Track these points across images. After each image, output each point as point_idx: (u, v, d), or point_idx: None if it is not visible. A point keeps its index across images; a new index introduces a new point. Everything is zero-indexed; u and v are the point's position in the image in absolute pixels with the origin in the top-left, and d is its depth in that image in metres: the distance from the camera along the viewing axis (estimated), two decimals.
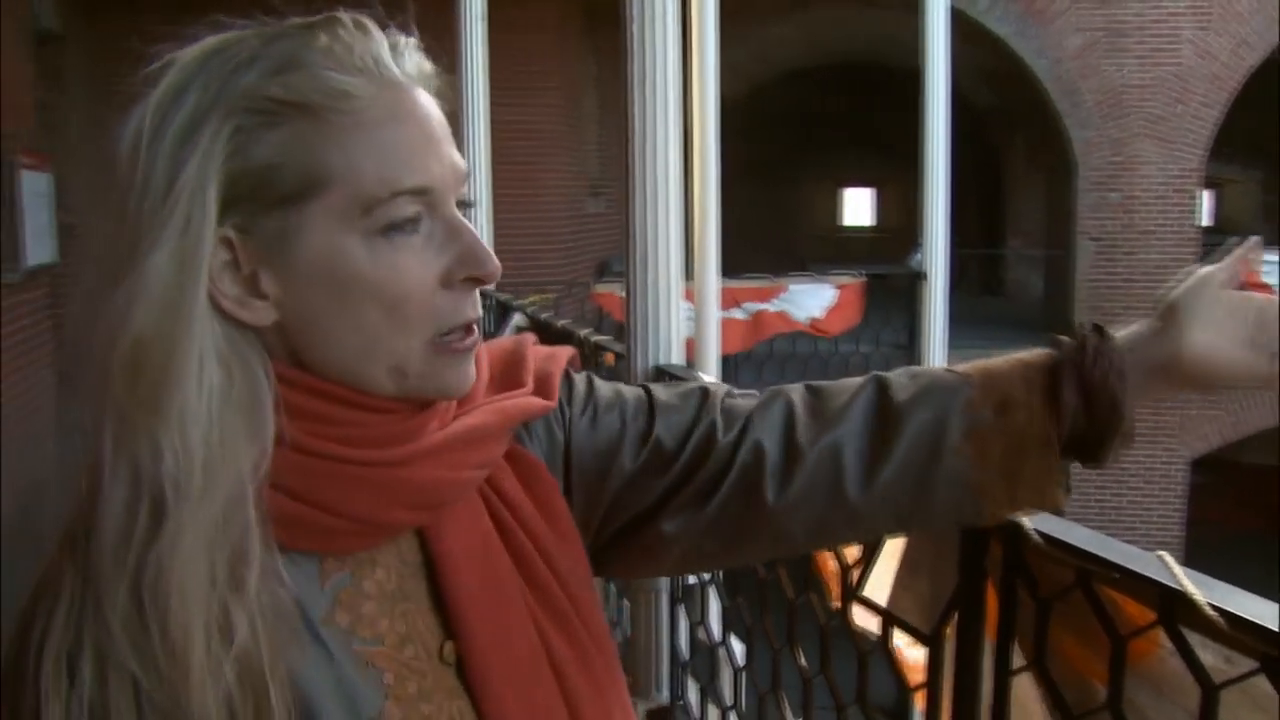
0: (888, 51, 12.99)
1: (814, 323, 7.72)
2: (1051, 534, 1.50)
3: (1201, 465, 12.70)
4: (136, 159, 0.74)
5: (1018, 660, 1.60)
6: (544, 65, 10.54)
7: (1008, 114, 16.26)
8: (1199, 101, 11.79)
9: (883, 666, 1.95)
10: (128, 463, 0.71)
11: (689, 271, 3.58)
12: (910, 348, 8.17)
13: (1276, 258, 12.36)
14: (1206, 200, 13.16)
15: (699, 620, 3.06)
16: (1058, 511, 1.10)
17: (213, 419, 0.73)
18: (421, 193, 0.78)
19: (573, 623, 0.91)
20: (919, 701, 1.85)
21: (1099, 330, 0.97)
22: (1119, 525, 12.20)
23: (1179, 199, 11.87)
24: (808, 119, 21.70)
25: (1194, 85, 11.78)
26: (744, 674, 2.77)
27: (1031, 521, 1.52)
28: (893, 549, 1.88)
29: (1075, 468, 1.08)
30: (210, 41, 0.78)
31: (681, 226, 3.16)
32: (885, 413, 0.96)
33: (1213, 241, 13.78)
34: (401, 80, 0.80)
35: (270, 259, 0.76)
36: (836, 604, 1.99)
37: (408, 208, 0.78)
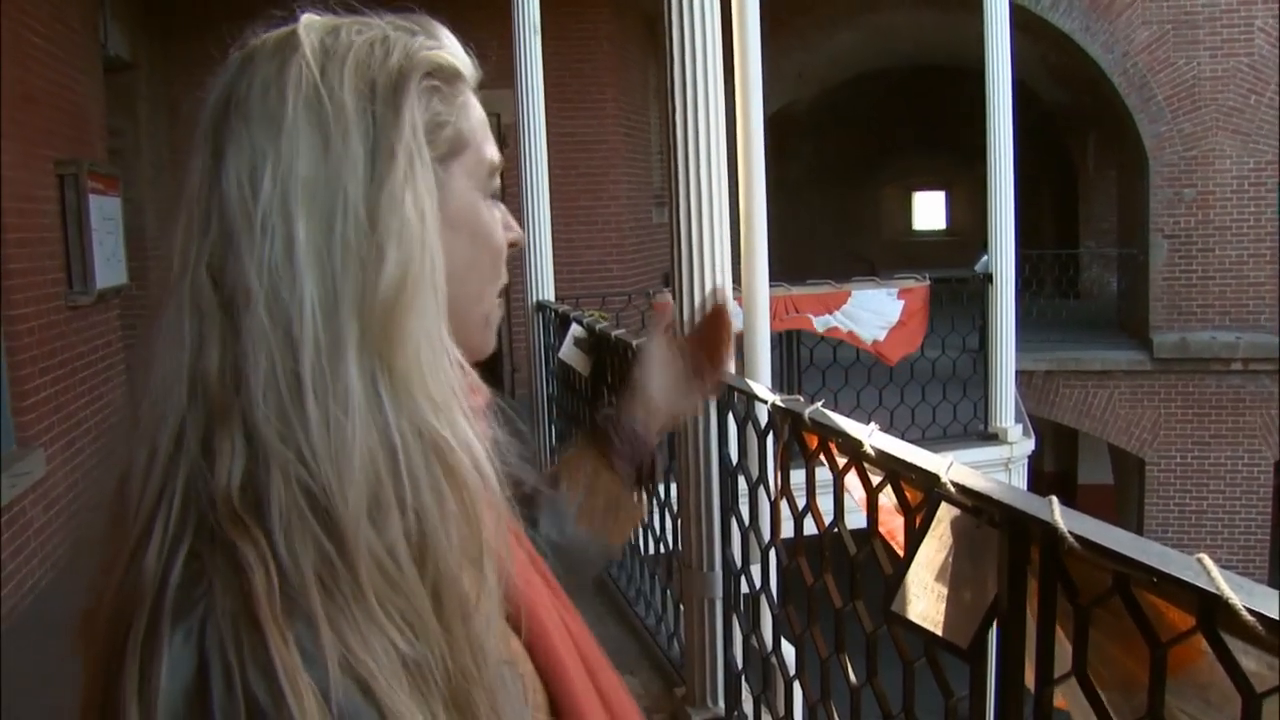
0: (957, 52, 12.84)
1: (875, 345, 7.62)
2: (1090, 537, 1.46)
3: None
4: (332, 110, 0.75)
5: (1059, 669, 1.56)
6: (603, 77, 10.57)
7: (1078, 111, 16.01)
8: (1275, 92, 11.51)
9: (928, 675, 1.92)
10: (402, 412, 0.71)
11: (738, 278, 3.56)
12: (981, 351, 8.03)
13: None
14: None
15: (751, 629, 3.04)
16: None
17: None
18: (499, 169, 0.89)
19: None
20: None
21: (612, 416, 1.36)
22: (1201, 530, 11.93)
23: (1256, 192, 11.58)
24: (878, 122, 21.58)
25: (1269, 75, 11.51)
26: (795, 683, 2.74)
27: (1069, 525, 1.48)
28: (930, 561, 1.85)
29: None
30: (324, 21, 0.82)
31: (727, 234, 3.15)
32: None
33: None
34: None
35: None
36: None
37: (498, 179, 0.89)
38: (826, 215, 22.42)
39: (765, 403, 2.62)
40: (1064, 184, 18.11)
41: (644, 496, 1.47)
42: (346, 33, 0.79)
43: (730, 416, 2.95)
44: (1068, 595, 1.52)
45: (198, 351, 0.71)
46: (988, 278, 7.53)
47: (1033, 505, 1.58)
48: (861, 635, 2.14)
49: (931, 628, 1.78)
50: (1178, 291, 11.77)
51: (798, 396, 2.55)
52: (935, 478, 1.79)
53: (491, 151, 0.87)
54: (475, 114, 0.86)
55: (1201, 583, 1.30)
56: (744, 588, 3.01)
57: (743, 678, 3.16)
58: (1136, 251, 12.38)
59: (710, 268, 3.09)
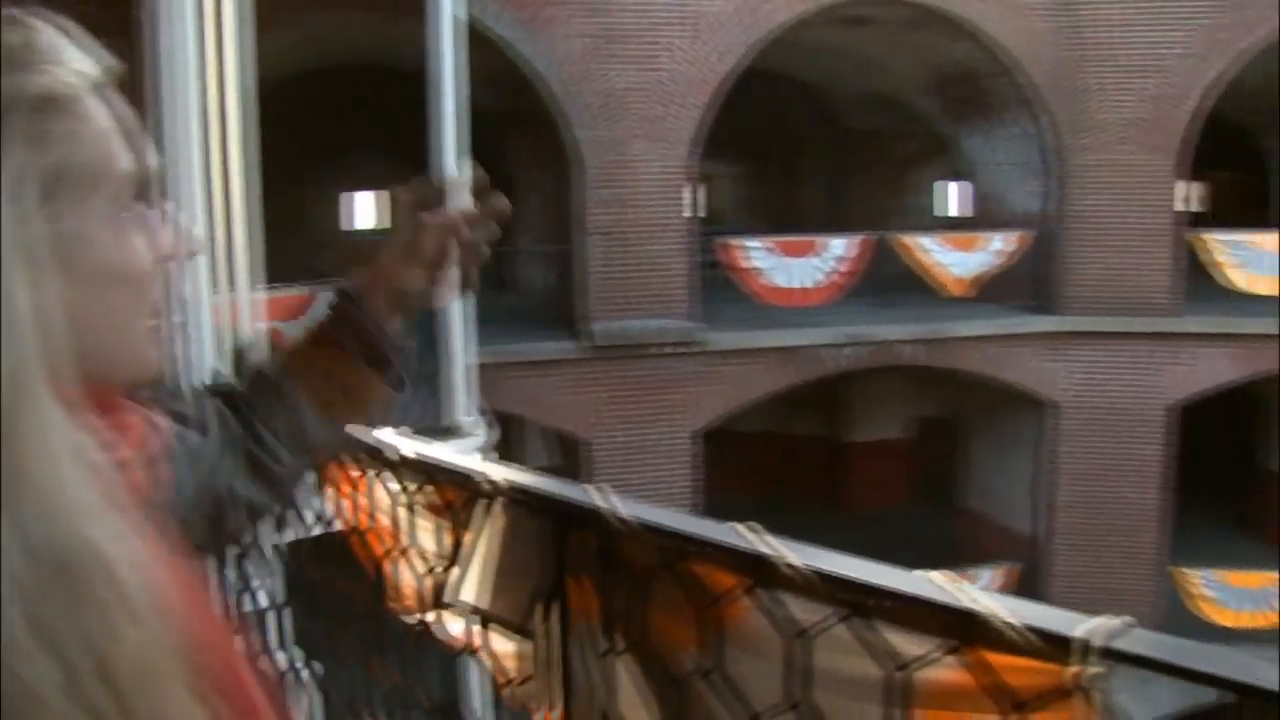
0: (403, 53, 12.96)
1: None
2: (637, 517, 1.58)
3: (709, 437, 13.77)
4: None
5: (618, 643, 1.67)
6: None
7: (516, 117, 16.75)
8: (686, 104, 12.75)
9: (478, 665, 1.97)
10: None
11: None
12: (434, 349, 8.21)
13: (755, 243, 13.69)
14: (698, 194, 14.23)
15: (259, 649, 2.93)
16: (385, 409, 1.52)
17: None
18: (144, 173, 0.80)
19: None
20: (516, 694, 1.89)
21: (344, 294, 1.36)
22: (640, 499, 12.97)
23: (672, 193, 12.80)
24: (322, 123, 21.20)
25: (680, 89, 12.72)
26: (320, 698, 2.69)
27: (617, 507, 1.59)
28: (485, 552, 1.90)
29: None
30: None
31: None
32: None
33: (707, 231, 15.00)
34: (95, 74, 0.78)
35: None
36: (415, 615, 2.00)
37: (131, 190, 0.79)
38: (271, 219, 21.69)
39: None
40: (503, 185, 18.82)
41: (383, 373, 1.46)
42: None
43: None
44: (622, 573, 1.63)
45: None
46: None
47: (580, 495, 1.67)
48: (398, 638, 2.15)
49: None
50: (608, 283, 12.72)
51: None
52: (479, 477, 1.84)
53: (127, 162, 0.78)
54: (99, 130, 0.76)
55: (746, 546, 1.45)
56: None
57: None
58: (570, 247, 13.19)
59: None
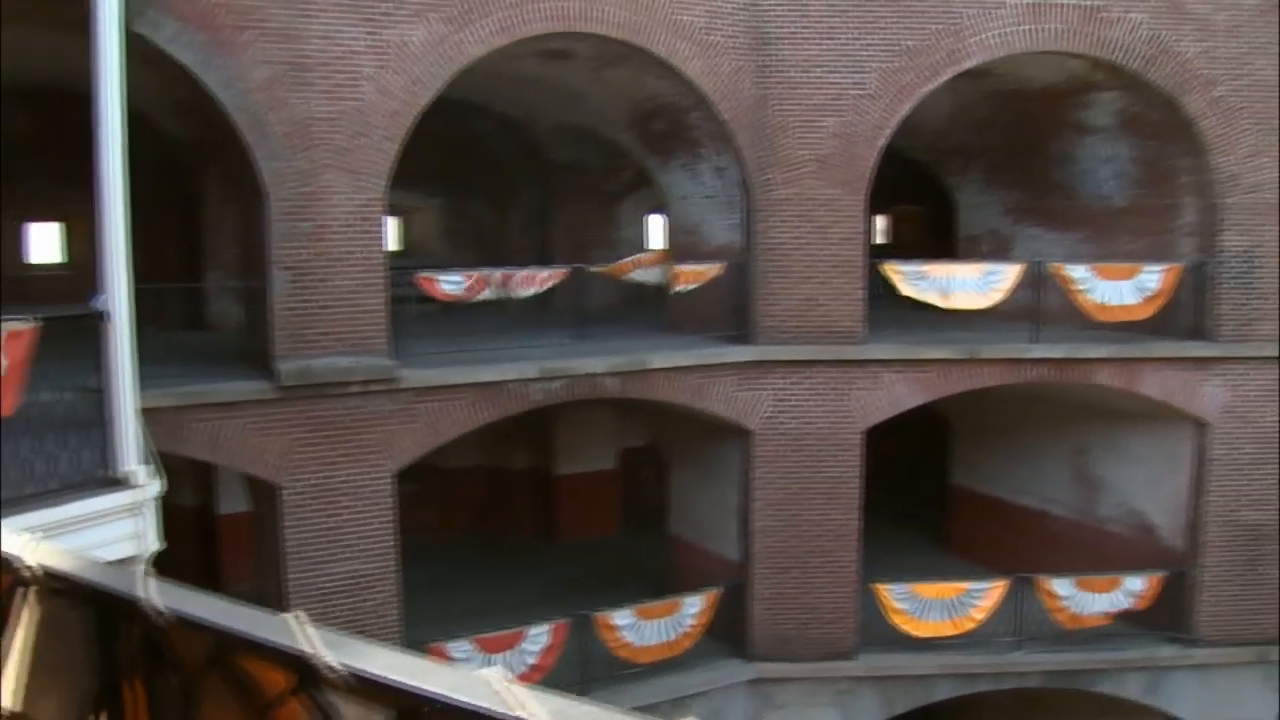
0: (78, 75, 12.05)
1: None
2: (175, 610, 1.38)
3: (408, 476, 13.45)
4: None
5: None
6: None
7: (202, 145, 15.99)
8: (380, 135, 12.45)
9: None
10: None
11: None
12: (100, 391, 7.62)
13: (459, 277, 13.51)
14: (392, 226, 13.92)
15: None
16: None
17: None
18: None
19: None
20: None
21: None
22: (338, 545, 12.55)
23: (365, 226, 12.45)
24: None
25: (375, 120, 12.41)
26: None
27: (154, 599, 1.39)
28: (22, 648, 1.65)
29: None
30: None
31: None
32: None
33: (407, 265, 14.71)
34: None
35: None
36: None
37: None
38: None
39: None
40: (188, 218, 18.00)
41: None
42: None
43: None
44: (169, 670, 1.43)
45: None
46: (104, 315, 7.16)
47: (122, 582, 1.46)
48: None
49: None
50: (298, 320, 12.23)
51: None
52: (17, 562, 1.59)
53: None
54: None
55: (296, 644, 1.28)
56: None
57: None
58: (259, 283, 12.63)
59: None
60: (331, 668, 1.23)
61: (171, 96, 13.48)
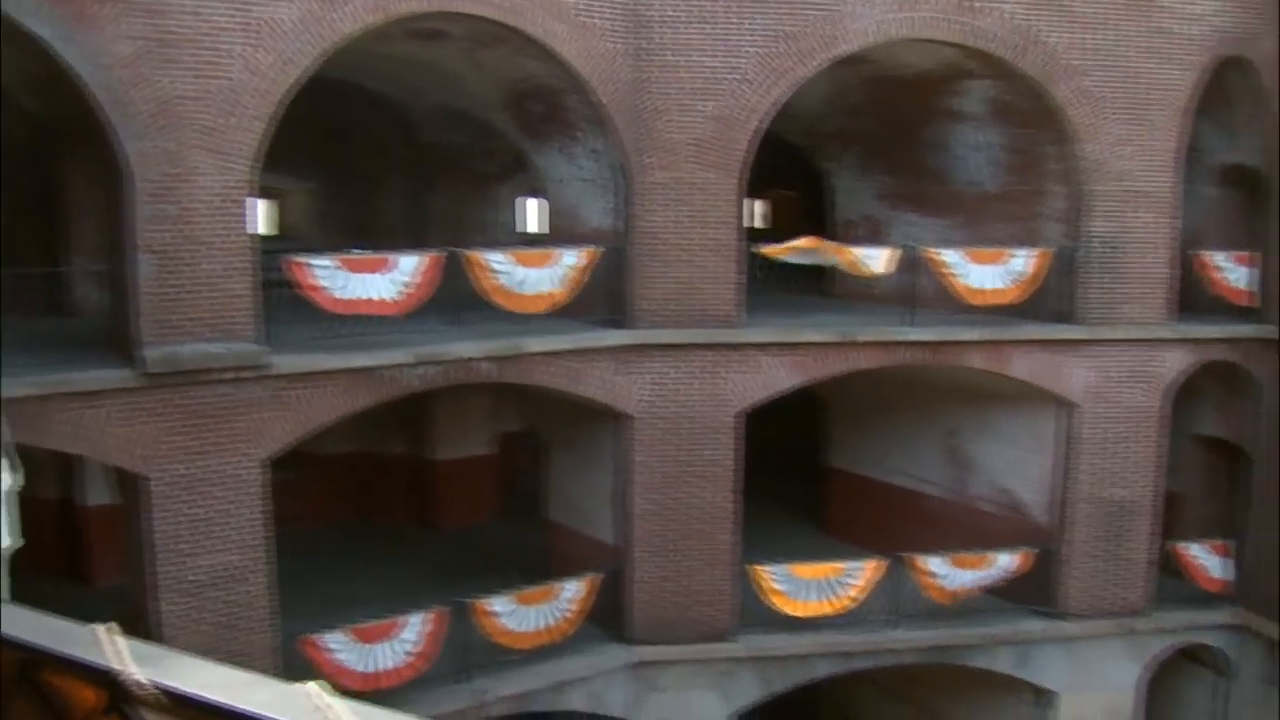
0: None
1: None
2: None
3: (283, 464, 13.15)
4: None
5: None
6: None
7: (63, 124, 15.36)
8: (249, 114, 12.10)
9: None
10: None
11: None
12: None
13: (328, 261, 13.21)
14: (263, 209, 13.55)
15: None
16: None
17: None
18: None
19: None
20: None
21: None
22: (210, 536, 12.25)
23: (232, 209, 12.10)
24: None
25: (244, 99, 12.06)
26: None
27: None
28: None
29: None
30: None
31: None
32: None
33: (275, 249, 14.35)
34: None
35: None
36: None
37: None
38: None
39: None
40: (49, 199, 17.31)
41: None
42: None
43: None
44: None
45: None
46: None
47: None
48: None
49: None
50: (164, 306, 11.85)
51: None
52: None
53: None
54: None
55: (104, 660, 1.21)
56: None
57: None
58: (124, 267, 12.20)
59: None
60: (140, 684, 1.15)
61: (31, 72, 12.91)
